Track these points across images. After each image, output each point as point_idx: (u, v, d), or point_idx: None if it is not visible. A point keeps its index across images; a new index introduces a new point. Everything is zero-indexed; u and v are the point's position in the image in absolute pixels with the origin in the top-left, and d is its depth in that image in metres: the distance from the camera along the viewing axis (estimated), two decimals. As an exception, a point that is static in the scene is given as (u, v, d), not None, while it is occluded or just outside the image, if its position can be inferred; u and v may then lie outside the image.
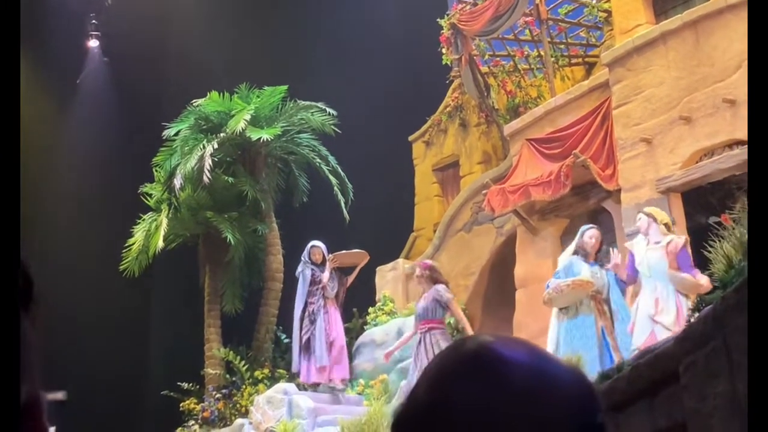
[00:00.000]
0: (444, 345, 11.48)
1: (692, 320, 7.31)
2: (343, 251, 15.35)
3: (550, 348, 10.56)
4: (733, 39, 11.88)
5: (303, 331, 14.72)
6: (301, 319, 14.85)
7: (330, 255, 15.29)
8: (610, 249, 11.17)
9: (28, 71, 21.01)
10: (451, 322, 13.20)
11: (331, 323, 14.78)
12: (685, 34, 12.61)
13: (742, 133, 11.52)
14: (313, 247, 15.25)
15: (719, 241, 7.52)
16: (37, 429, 1.03)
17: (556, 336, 10.85)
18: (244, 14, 22.86)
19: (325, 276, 14.92)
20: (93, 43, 23.50)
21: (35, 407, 1.03)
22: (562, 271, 10.91)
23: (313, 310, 14.79)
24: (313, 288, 14.97)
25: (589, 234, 11.06)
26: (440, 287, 11.96)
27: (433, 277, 12.12)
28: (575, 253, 11.02)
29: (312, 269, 15.05)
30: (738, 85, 11.69)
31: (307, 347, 14.59)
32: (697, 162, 12.20)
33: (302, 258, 15.31)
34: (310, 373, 14.57)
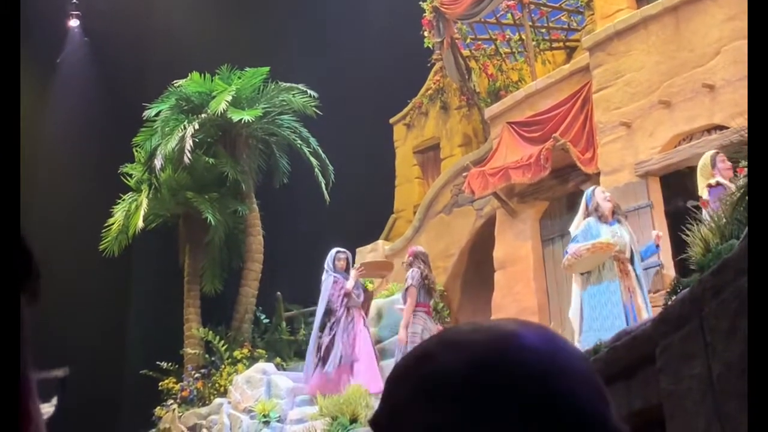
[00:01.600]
0: (428, 327, 11.54)
1: (669, 303, 7.40)
2: (370, 260, 15.06)
3: (574, 317, 10.40)
4: (712, 25, 11.96)
5: (321, 340, 13.51)
6: (321, 329, 13.67)
7: (357, 264, 14.73)
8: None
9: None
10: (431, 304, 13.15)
11: (358, 335, 13.44)
12: (666, 20, 12.67)
13: (721, 118, 11.62)
14: (338, 252, 14.20)
15: (696, 224, 7.60)
16: (21, 410, 1.02)
17: (579, 304, 10.41)
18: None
19: (350, 284, 13.75)
20: (73, 23, 23.37)
21: (21, 388, 1.02)
22: (580, 235, 10.38)
23: (334, 320, 13.56)
24: (336, 297, 13.72)
25: (601, 193, 10.63)
26: (408, 273, 12.11)
27: (410, 262, 12.24)
28: (589, 215, 10.55)
29: (335, 277, 13.87)
30: (716, 70, 11.78)
31: (321, 357, 13.35)
32: (675, 146, 12.29)
33: (325, 265, 14.16)
34: (319, 383, 13.22)
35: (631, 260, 10.32)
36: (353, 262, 14.94)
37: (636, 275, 10.25)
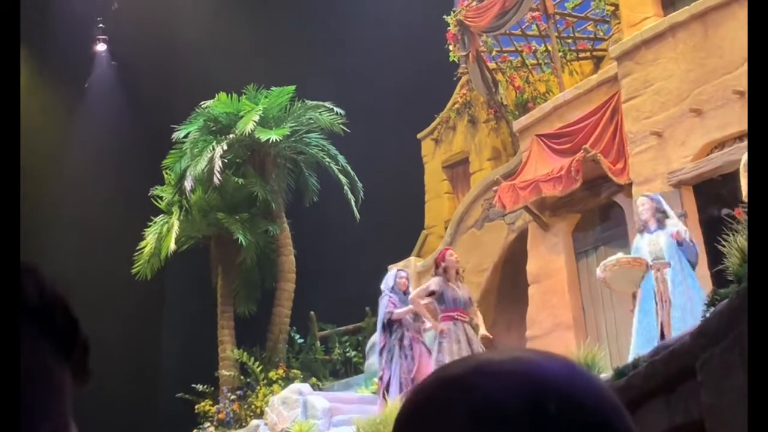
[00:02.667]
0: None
1: (707, 315, 7.27)
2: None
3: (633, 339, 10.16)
4: (740, 30, 11.80)
5: (382, 368, 12.44)
6: (380, 353, 12.62)
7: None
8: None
9: (36, 76, 21.09)
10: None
11: (417, 359, 12.19)
12: (694, 26, 12.56)
13: (753, 125, 11.44)
14: (399, 271, 13.14)
15: (733, 234, 7.48)
16: None
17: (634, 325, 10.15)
18: (251, 15, 22.84)
19: (400, 312, 12.55)
20: (100, 47, 23.53)
21: None
22: (633, 253, 10.34)
23: (391, 345, 12.44)
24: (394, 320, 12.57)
25: (640, 203, 10.54)
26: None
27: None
28: (638, 231, 10.44)
29: (390, 297, 12.70)
30: (747, 76, 11.59)
31: (385, 386, 12.29)
32: (708, 154, 12.15)
33: (383, 285, 13.01)
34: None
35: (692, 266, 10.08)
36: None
37: (684, 280, 9.96)
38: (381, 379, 12.35)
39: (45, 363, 0.95)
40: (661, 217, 10.26)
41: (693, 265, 10.19)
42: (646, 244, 10.15)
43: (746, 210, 8.58)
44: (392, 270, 13.30)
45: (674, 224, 10.23)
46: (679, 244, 10.03)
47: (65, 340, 0.98)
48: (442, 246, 17.03)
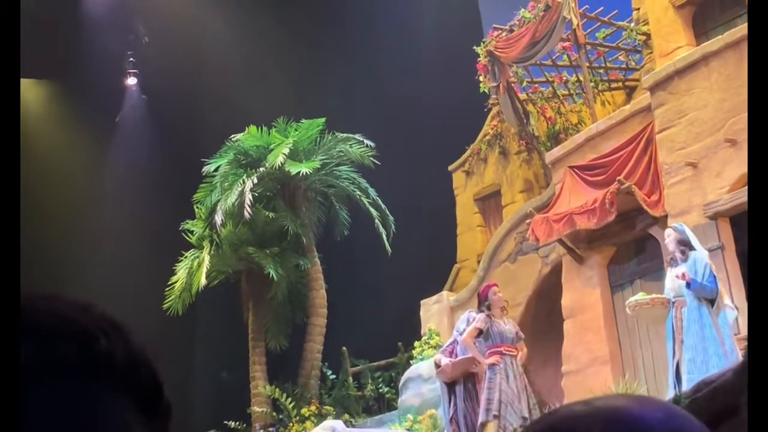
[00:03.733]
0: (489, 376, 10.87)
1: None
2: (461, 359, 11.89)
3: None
4: (777, 60, 11.63)
5: (450, 410, 11.65)
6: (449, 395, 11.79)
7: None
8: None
9: (68, 110, 21.23)
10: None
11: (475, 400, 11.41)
12: (728, 55, 12.39)
13: (792, 156, 11.25)
14: (471, 311, 11.82)
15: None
16: None
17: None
18: (281, 48, 22.87)
19: (444, 361, 11.68)
20: (131, 81, 23.66)
21: None
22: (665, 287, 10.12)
23: (455, 386, 11.64)
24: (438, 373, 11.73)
25: (666, 234, 10.28)
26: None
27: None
28: (667, 263, 10.24)
29: (457, 339, 11.68)
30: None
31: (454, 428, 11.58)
32: (744, 185, 11.93)
33: (455, 331, 11.89)
34: None
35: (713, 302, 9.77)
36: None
37: (698, 318, 9.63)
38: (451, 421, 11.65)
39: (127, 423, 0.89)
40: (684, 250, 9.88)
41: (713, 302, 9.63)
42: (669, 280, 9.90)
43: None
44: (467, 313, 12.11)
45: (695, 259, 9.85)
46: (687, 285, 9.58)
47: (149, 404, 0.91)
48: (475, 281, 16.89)
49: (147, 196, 21.87)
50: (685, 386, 9.12)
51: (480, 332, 11.09)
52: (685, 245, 9.90)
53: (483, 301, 11.40)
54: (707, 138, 12.46)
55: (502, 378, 10.82)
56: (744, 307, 11.41)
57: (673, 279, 9.87)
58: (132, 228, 21.53)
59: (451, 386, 11.73)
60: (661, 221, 12.87)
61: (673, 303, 9.78)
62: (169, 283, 18.32)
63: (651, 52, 15.59)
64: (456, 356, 11.53)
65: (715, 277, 9.68)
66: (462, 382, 11.61)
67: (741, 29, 12.35)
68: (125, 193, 22.17)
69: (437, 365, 11.83)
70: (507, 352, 11.07)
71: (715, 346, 9.34)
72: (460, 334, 11.49)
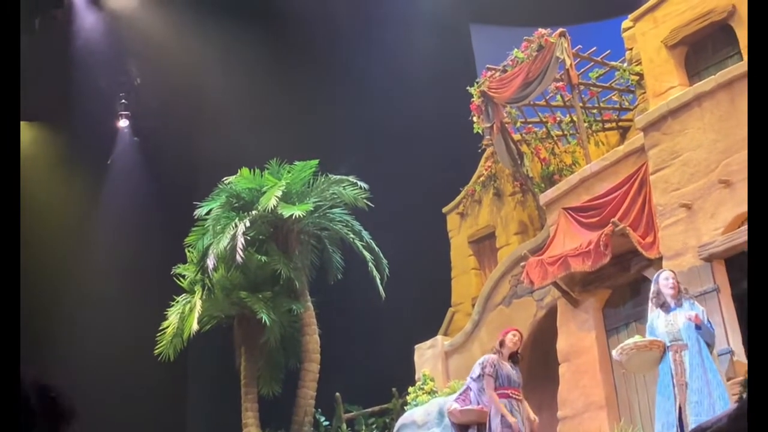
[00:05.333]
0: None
1: (744, 395, 6.92)
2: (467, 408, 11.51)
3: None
4: (770, 100, 11.52)
5: None
6: None
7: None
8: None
9: (59, 152, 21.13)
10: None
11: None
12: (720, 96, 12.30)
13: (786, 197, 11.11)
14: (489, 355, 11.49)
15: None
16: None
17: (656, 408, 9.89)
18: (274, 90, 22.82)
19: (453, 406, 11.51)
20: (123, 123, 23.56)
21: None
22: (647, 331, 10.11)
23: None
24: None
25: (664, 277, 10.19)
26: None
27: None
28: (655, 305, 10.12)
29: (469, 386, 11.42)
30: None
31: None
32: (739, 227, 11.79)
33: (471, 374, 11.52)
34: None
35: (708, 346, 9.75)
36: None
37: (701, 363, 9.58)
38: None
39: None
40: (681, 296, 10.00)
41: (710, 347, 9.85)
42: (663, 324, 9.83)
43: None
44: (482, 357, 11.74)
45: (693, 304, 9.91)
46: (698, 327, 9.69)
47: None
48: (469, 324, 16.74)
49: (138, 239, 21.73)
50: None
51: (491, 373, 10.94)
52: (681, 291, 9.92)
53: (501, 342, 11.31)
54: (701, 179, 12.32)
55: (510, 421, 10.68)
56: (740, 350, 11.25)
57: (671, 323, 9.79)
58: (123, 272, 21.36)
59: (463, 429, 11.51)
60: (656, 263, 12.71)
61: (669, 347, 9.68)
62: (161, 328, 18.10)
63: (644, 92, 15.51)
64: (470, 403, 11.33)
65: (711, 323, 9.75)
66: (475, 426, 11.39)
67: (732, 69, 12.31)
68: (116, 236, 22.02)
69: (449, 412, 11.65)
70: (513, 395, 10.94)
71: (720, 391, 9.36)
72: (473, 380, 11.32)
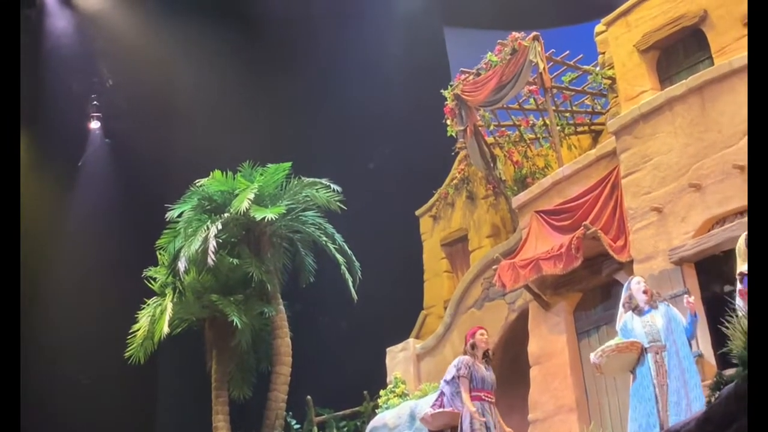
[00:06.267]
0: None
1: (713, 400, 6.94)
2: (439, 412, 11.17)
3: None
4: (739, 104, 11.58)
5: None
6: None
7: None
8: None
9: (30, 154, 20.95)
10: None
11: None
12: (691, 100, 12.33)
13: (755, 200, 11.18)
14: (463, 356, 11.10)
15: (735, 315, 7.21)
16: None
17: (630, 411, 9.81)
18: (247, 92, 22.76)
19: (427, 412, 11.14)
20: (94, 125, 23.41)
21: None
22: (620, 334, 10.01)
23: None
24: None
25: (636, 282, 10.18)
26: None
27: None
28: (627, 308, 10.08)
29: (442, 390, 11.13)
30: (746, 150, 11.37)
31: None
32: (709, 230, 11.83)
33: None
34: None
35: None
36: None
37: (678, 364, 9.57)
38: None
39: None
40: (654, 299, 10.00)
41: (690, 342, 9.87)
42: (640, 326, 9.81)
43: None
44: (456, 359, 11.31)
45: (668, 307, 9.92)
46: (694, 315, 9.76)
47: None
48: (441, 327, 16.71)
49: (109, 242, 21.59)
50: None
51: (464, 375, 10.72)
52: (654, 295, 9.96)
53: (468, 341, 11.07)
54: (672, 183, 12.35)
55: (481, 425, 10.51)
56: (708, 352, 11.29)
57: (648, 324, 9.80)
58: (93, 274, 21.21)
59: None
60: (627, 267, 12.74)
61: (647, 348, 9.68)
62: (131, 331, 17.97)
63: (616, 96, 15.54)
64: (443, 408, 11.18)
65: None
66: (449, 430, 11.28)
67: (704, 74, 12.34)
68: (87, 238, 21.86)
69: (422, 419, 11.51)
70: (486, 398, 10.77)
71: (696, 392, 9.34)
72: (447, 383, 11.17)
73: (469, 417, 10.48)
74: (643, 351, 9.72)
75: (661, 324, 9.75)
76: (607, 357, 9.84)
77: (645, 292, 10.02)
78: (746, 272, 8.62)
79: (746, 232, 9.20)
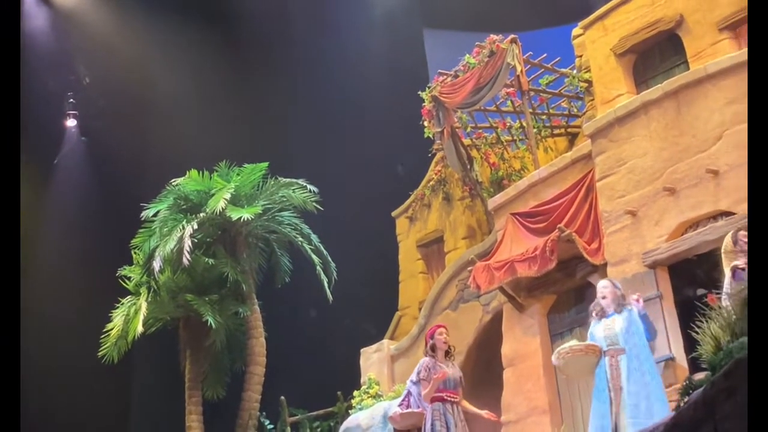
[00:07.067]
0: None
1: (682, 405, 6.95)
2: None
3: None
4: (713, 109, 11.66)
5: None
6: None
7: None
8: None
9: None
10: None
11: None
12: (667, 104, 12.39)
13: (726, 204, 11.26)
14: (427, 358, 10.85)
15: (706, 321, 7.21)
16: None
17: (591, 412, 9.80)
18: (224, 92, 22.70)
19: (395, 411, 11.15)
20: (70, 123, 23.28)
21: None
22: (588, 339, 10.00)
23: None
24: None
25: (600, 286, 10.14)
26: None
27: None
28: (593, 315, 10.06)
29: (409, 390, 11.05)
30: (720, 155, 11.45)
31: None
32: (682, 234, 11.88)
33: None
34: None
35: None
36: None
37: (639, 366, 9.53)
38: None
39: None
40: (620, 304, 9.88)
41: (651, 343, 9.82)
42: (601, 330, 9.81)
43: (719, 296, 8.27)
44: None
45: (630, 311, 9.83)
46: (641, 314, 9.68)
47: None
48: (416, 329, 16.70)
49: (84, 240, 21.49)
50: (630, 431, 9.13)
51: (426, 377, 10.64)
52: (620, 302, 9.87)
53: (428, 342, 10.96)
54: (646, 186, 12.40)
55: (442, 426, 10.45)
56: (681, 355, 11.33)
57: (608, 328, 9.79)
58: (68, 273, 21.11)
59: None
60: (601, 269, 12.76)
61: (605, 352, 9.67)
62: (105, 330, 17.88)
63: (592, 99, 15.61)
64: (411, 408, 11.14)
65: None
66: (416, 430, 11.23)
67: (679, 78, 12.40)
68: (62, 236, 21.76)
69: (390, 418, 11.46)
70: (448, 398, 10.68)
71: (657, 393, 9.31)
72: (414, 384, 11.13)
73: (431, 419, 10.42)
74: (602, 354, 9.74)
75: (620, 328, 9.66)
76: (564, 359, 9.86)
77: (604, 297, 9.95)
78: (742, 266, 8.58)
79: (732, 232, 9.18)
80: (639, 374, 9.43)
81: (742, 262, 8.68)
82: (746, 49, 12.11)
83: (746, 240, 8.81)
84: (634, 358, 9.53)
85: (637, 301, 9.80)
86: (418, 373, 10.68)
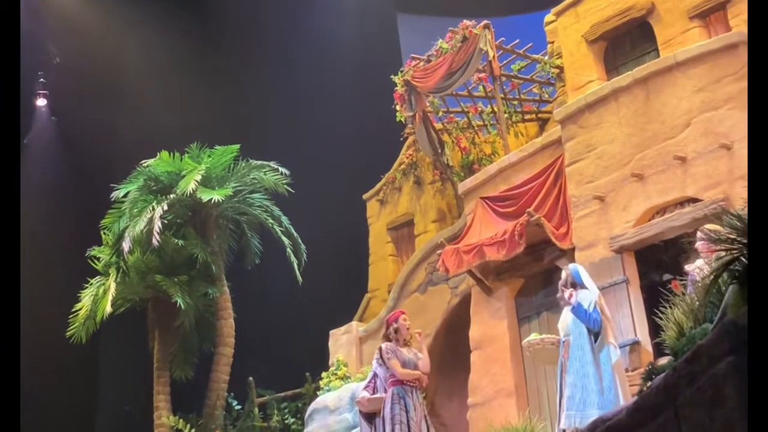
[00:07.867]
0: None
1: (644, 390, 7.03)
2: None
3: None
4: (681, 96, 11.76)
5: None
6: None
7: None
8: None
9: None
10: None
11: None
12: (636, 91, 12.47)
13: (693, 190, 11.37)
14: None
15: (670, 307, 7.28)
16: None
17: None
18: (196, 73, 22.61)
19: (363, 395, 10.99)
20: (40, 102, 23.10)
21: None
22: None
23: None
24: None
25: (560, 277, 10.16)
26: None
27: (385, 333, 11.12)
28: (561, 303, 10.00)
29: (375, 371, 11.00)
30: (687, 142, 11.56)
31: None
32: (649, 220, 11.99)
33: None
34: None
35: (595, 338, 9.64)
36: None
37: (580, 357, 9.38)
38: None
39: None
40: (572, 290, 9.72)
41: (596, 337, 9.51)
42: (561, 320, 9.85)
43: (683, 281, 8.30)
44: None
45: (584, 297, 9.76)
46: (572, 308, 9.53)
47: None
48: (384, 311, 16.70)
49: (53, 220, 21.34)
50: (563, 424, 9.20)
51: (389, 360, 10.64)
52: (574, 286, 9.78)
53: (390, 325, 10.93)
54: (615, 172, 12.49)
55: (401, 409, 10.47)
56: (646, 340, 11.44)
57: (563, 318, 9.81)
58: (36, 253, 20.95)
59: (369, 417, 11.35)
60: (569, 254, 12.86)
61: (563, 342, 9.70)
62: (74, 310, 17.80)
63: (563, 85, 15.71)
64: (377, 392, 11.16)
65: (600, 313, 9.56)
66: (381, 415, 11.25)
67: (649, 66, 12.50)
68: (30, 217, 21.55)
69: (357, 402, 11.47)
70: (409, 383, 10.68)
71: (594, 383, 9.21)
72: (379, 366, 11.13)
73: (390, 402, 10.44)
74: (561, 344, 9.78)
75: (570, 318, 9.63)
76: (529, 351, 10.00)
77: (563, 285, 9.81)
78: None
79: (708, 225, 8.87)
80: (579, 364, 9.35)
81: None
82: (715, 38, 12.25)
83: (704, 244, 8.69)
84: (577, 348, 9.46)
85: (570, 296, 9.61)
86: (378, 360, 10.68)
